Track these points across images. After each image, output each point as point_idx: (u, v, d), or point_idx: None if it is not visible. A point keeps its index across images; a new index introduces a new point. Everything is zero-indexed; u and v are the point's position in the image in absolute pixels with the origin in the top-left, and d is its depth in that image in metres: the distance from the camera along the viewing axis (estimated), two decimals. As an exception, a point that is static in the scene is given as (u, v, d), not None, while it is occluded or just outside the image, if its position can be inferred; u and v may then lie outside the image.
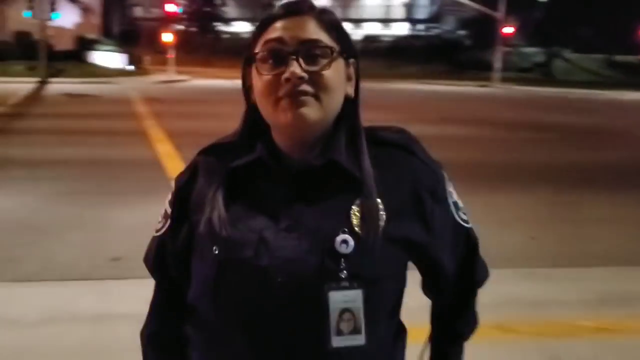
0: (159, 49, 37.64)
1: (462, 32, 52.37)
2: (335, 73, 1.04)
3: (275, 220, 1.05)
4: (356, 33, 57.20)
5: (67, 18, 36.90)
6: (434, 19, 54.39)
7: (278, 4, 1.13)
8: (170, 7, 36.79)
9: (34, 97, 19.79)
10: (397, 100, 21.87)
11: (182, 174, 1.19)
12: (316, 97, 1.02)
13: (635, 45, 37.39)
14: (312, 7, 1.06)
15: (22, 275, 4.22)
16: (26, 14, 30.23)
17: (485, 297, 3.95)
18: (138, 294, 3.58)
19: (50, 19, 30.05)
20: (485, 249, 1.23)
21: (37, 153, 9.10)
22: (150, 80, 29.60)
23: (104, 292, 3.94)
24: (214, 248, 1.06)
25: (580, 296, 4.09)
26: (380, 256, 1.04)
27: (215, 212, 1.07)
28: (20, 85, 23.12)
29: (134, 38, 42.18)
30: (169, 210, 1.18)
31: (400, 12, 58.58)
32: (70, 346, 3.20)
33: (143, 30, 40.43)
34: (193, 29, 49.21)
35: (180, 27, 46.39)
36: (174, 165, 8.05)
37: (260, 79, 1.05)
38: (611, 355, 3.28)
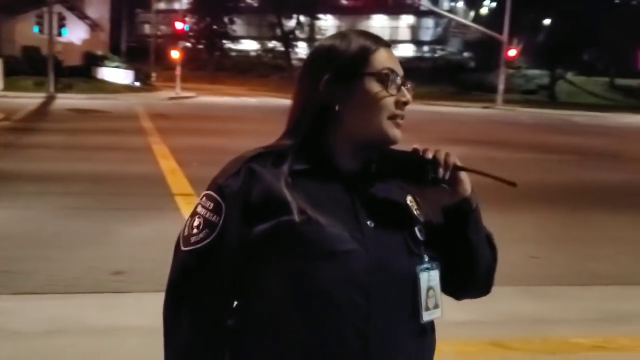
0: (166, 66, 37.92)
1: (467, 54, 52.62)
2: None
3: (354, 217, 1.14)
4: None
5: (75, 34, 37.27)
6: (439, 40, 54.62)
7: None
8: (179, 25, 37.17)
9: (42, 112, 19.96)
10: (401, 120, 21.96)
11: (229, 180, 1.15)
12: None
13: (637, 69, 37.55)
14: None
15: (28, 288, 4.28)
16: (35, 29, 30.64)
17: (483, 314, 3.99)
18: (140, 307, 3.67)
19: (58, 35, 30.42)
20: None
21: (44, 168, 9.19)
22: (157, 97, 29.80)
23: (107, 305, 4.01)
24: (310, 246, 1.09)
25: (579, 314, 4.14)
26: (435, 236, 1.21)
27: (302, 214, 1.09)
28: (28, 100, 23.34)
29: (141, 55, 42.48)
30: (217, 219, 1.13)
31: (405, 34, 58.91)
32: (74, 357, 3.27)
33: (150, 47, 40.71)
34: (200, 47, 49.54)
35: (188, 44, 46.71)
36: (177, 181, 8.14)
37: (375, 94, 1.18)
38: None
